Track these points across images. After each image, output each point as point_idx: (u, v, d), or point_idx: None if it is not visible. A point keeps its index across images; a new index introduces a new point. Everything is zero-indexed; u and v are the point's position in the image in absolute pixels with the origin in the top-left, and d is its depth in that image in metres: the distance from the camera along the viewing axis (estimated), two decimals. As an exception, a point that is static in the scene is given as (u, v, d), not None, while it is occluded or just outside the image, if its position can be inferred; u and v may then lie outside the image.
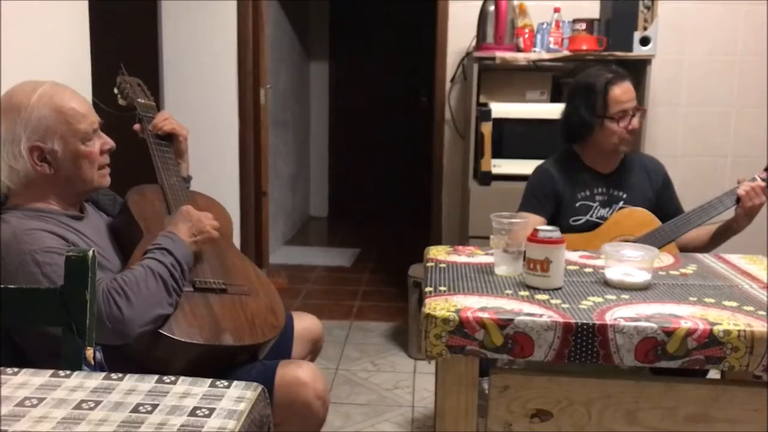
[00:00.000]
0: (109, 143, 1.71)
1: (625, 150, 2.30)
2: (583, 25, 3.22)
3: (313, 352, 2.05)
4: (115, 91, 2.00)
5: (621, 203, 2.30)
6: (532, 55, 3.21)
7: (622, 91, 2.25)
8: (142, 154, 1.93)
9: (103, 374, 1.03)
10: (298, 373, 1.65)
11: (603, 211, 2.30)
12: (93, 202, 1.83)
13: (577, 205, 2.30)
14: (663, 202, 2.34)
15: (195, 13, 3.76)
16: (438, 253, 1.91)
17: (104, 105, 2.10)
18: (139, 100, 1.97)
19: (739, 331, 1.35)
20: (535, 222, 2.16)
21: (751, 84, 3.61)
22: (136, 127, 1.95)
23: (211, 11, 3.77)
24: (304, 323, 2.01)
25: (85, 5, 2.30)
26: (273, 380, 1.62)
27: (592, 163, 2.34)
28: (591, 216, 2.29)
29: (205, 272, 1.73)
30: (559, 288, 1.59)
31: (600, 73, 2.32)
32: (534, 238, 1.58)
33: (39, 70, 1.81)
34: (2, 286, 1.30)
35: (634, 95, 2.28)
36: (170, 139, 1.96)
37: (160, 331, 1.53)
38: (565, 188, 2.32)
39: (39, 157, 1.59)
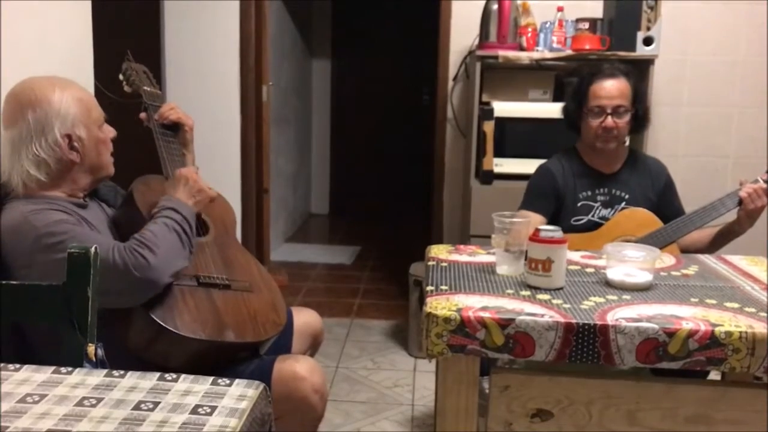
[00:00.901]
0: (113, 131, 1.78)
1: (601, 147, 2.27)
2: (587, 25, 3.21)
3: (313, 347, 2.05)
4: (121, 77, 1.99)
5: (623, 204, 2.29)
6: (535, 54, 3.21)
7: (603, 87, 2.23)
8: (147, 144, 1.92)
9: (105, 371, 1.03)
10: (295, 368, 1.66)
11: (605, 212, 2.29)
12: (94, 193, 1.83)
13: (579, 205, 2.30)
14: (665, 203, 2.33)
15: (197, 10, 3.76)
16: (439, 252, 1.91)
17: (109, 95, 2.10)
18: (144, 87, 1.95)
19: (740, 332, 1.35)
20: (536, 221, 2.16)
21: (753, 84, 3.61)
22: (143, 115, 1.93)
23: (214, 9, 3.77)
24: (304, 318, 2.02)
25: (88, 3, 2.29)
26: (270, 375, 1.63)
27: (593, 163, 2.34)
28: (592, 216, 2.29)
29: (209, 267, 1.73)
30: (561, 288, 1.59)
31: (594, 66, 2.33)
32: (536, 237, 1.58)
33: (41, 68, 1.81)
34: (4, 281, 1.31)
35: (622, 94, 2.24)
36: (176, 129, 1.95)
37: (164, 325, 1.53)
38: (567, 187, 2.32)
39: (69, 145, 1.64)
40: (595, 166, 2.34)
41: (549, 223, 2.38)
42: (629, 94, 2.26)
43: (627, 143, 2.44)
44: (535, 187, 2.37)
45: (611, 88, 2.24)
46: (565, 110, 2.39)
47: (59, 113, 1.61)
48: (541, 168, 2.40)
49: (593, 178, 2.32)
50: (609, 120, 2.23)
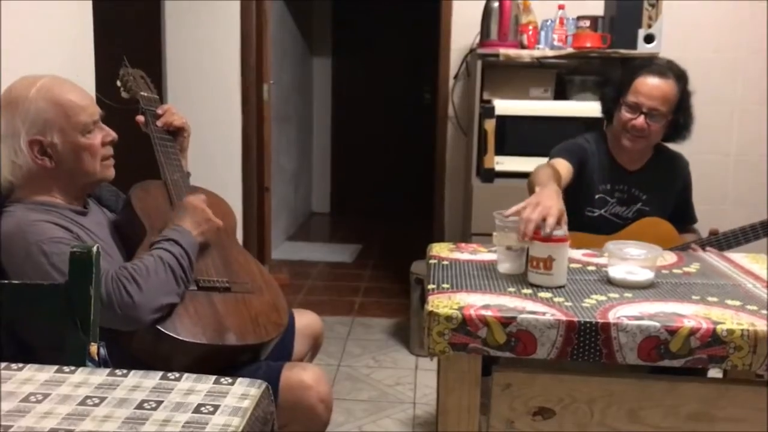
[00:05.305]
0: (111, 135, 1.70)
1: (628, 145, 2.18)
2: (588, 23, 3.22)
3: (314, 348, 2.06)
4: (118, 83, 1.97)
5: (639, 204, 2.25)
6: (536, 52, 3.21)
7: (647, 83, 2.12)
8: (144, 149, 1.91)
9: (108, 370, 1.03)
10: (302, 376, 1.65)
11: (619, 209, 2.25)
12: (95, 198, 1.83)
13: (597, 197, 2.25)
14: (680, 201, 2.31)
15: (198, 9, 3.76)
16: (441, 250, 1.91)
17: (106, 101, 2.09)
18: (142, 93, 1.93)
19: (742, 330, 1.35)
20: (561, 165, 2.11)
21: (754, 82, 3.61)
22: (140, 118, 1.91)
23: (214, 8, 3.77)
24: (305, 320, 2.02)
25: (89, 3, 2.29)
26: (278, 382, 1.63)
27: (618, 157, 2.26)
28: (605, 211, 2.25)
29: (209, 271, 1.72)
30: (562, 286, 1.59)
31: (647, 59, 2.26)
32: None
33: (42, 67, 1.80)
34: (6, 281, 1.31)
35: (664, 97, 2.11)
36: (174, 133, 1.95)
37: (164, 330, 1.53)
38: (591, 169, 2.23)
39: (39, 151, 1.58)
40: (619, 161, 2.26)
41: (567, 199, 2.31)
42: (673, 99, 2.13)
43: None
44: (568, 145, 2.26)
45: (654, 88, 2.12)
46: (602, 94, 2.32)
47: (27, 118, 1.55)
48: (570, 140, 2.29)
49: (615, 173, 2.25)
50: (640, 119, 2.13)
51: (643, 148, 2.23)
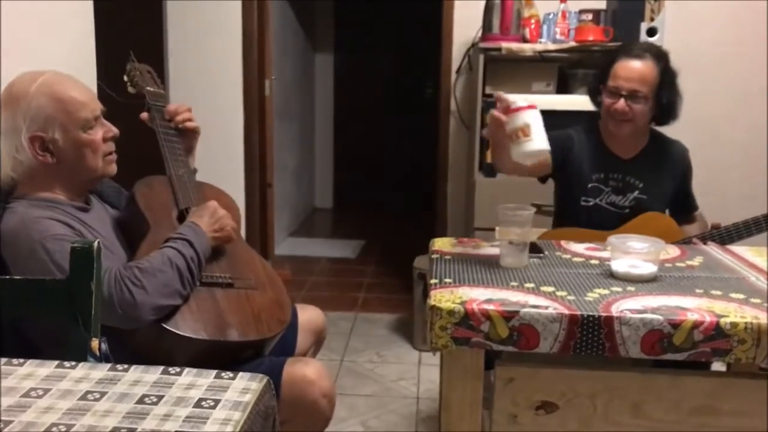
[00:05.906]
0: (113, 131, 1.70)
1: (614, 130, 2.19)
2: (590, 16, 3.20)
3: (316, 344, 2.06)
4: (125, 78, 1.96)
5: (636, 192, 2.24)
6: (538, 46, 3.19)
7: (625, 67, 2.14)
8: (148, 144, 1.91)
9: (109, 365, 1.03)
10: (305, 371, 1.65)
11: (615, 198, 2.24)
12: (98, 194, 1.82)
13: (590, 186, 2.24)
14: (679, 190, 2.30)
15: (200, 6, 3.76)
16: (443, 245, 1.90)
17: (112, 95, 2.08)
18: (148, 88, 1.92)
19: (746, 323, 1.35)
20: None
21: (757, 74, 3.59)
22: (144, 115, 1.90)
23: (216, 4, 3.76)
24: (308, 315, 2.02)
25: (90, 2, 2.29)
26: (280, 377, 1.62)
27: (611, 145, 2.26)
28: (601, 200, 2.24)
29: (211, 266, 1.71)
30: (546, 150, 1.61)
31: (627, 44, 2.28)
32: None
33: (43, 63, 1.80)
34: (8, 277, 1.31)
35: (642, 79, 2.12)
36: (184, 134, 1.93)
37: (165, 326, 1.53)
38: (580, 160, 2.24)
39: (40, 147, 1.58)
40: (612, 150, 2.26)
41: (559, 197, 2.32)
42: (652, 79, 2.14)
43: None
44: (550, 134, 2.29)
45: (632, 70, 2.13)
46: (589, 85, 2.34)
47: (28, 114, 1.55)
48: (565, 130, 2.30)
49: (609, 162, 2.25)
50: (621, 103, 2.14)
51: (631, 133, 2.22)
